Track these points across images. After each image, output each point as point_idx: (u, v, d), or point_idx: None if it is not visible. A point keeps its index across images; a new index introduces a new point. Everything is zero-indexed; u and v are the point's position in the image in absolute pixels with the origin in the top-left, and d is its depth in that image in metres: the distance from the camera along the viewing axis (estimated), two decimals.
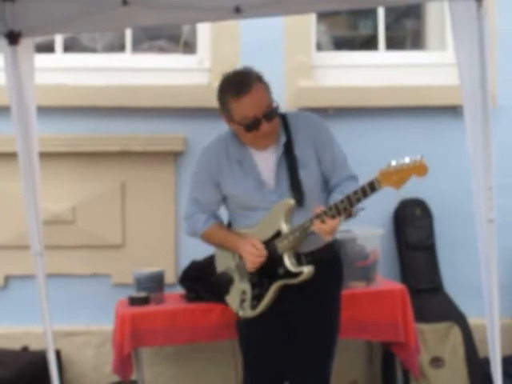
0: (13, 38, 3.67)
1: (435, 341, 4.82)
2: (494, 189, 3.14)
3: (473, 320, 4.85)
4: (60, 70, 5.03)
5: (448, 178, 5.06)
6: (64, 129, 4.97)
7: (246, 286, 3.73)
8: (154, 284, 4.52)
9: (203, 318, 4.32)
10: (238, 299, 3.75)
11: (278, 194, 3.62)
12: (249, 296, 3.72)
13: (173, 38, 5.36)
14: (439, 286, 5.06)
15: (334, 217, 3.41)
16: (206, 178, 3.75)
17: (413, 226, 5.09)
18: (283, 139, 3.63)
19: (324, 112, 4.97)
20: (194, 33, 5.20)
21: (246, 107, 3.50)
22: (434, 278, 5.06)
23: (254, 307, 3.70)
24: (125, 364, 4.37)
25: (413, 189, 5.16)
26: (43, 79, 4.46)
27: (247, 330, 3.81)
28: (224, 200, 3.80)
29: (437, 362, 4.81)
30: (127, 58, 5.16)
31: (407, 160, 3.25)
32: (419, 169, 3.21)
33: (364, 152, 4.97)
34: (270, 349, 3.78)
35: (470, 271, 4.62)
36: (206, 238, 3.86)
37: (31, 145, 3.82)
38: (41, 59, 4.23)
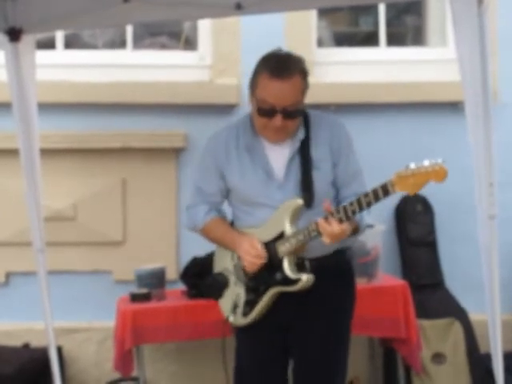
0: (14, 34, 3.68)
1: (436, 337, 4.82)
2: (495, 185, 3.14)
3: (474, 316, 4.85)
4: (61, 67, 5.03)
5: (449, 173, 5.01)
6: (65, 125, 4.97)
7: (240, 290, 3.47)
8: (155, 280, 4.52)
9: (205, 315, 4.30)
10: (231, 304, 3.50)
11: (284, 191, 3.38)
12: (242, 301, 3.46)
13: (174, 35, 5.35)
14: (440, 281, 5.07)
15: (341, 220, 3.17)
16: (211, 167, 3.50)
17: (414, 222, 5.09)
18: (301, 135, 3.40)
19: (325, 108, 4.96)
20: (194, 29, 5.20)
21: (270, 91, 3.26)
22: (436, 274, 5.07)
23: (245, 314, 3.45)
24: (126, 361, 4.37)
25: None
26: (44, 76, 4.46)
27: (244, 343, 3.57)
28: (228, 194, 3.56)
29: (438, 358, 4.81)
30: (128, 55, 5.15)
31: (426, 163, 3.04)
32: (438, 173, 3.03)
33: (366, 148, 4.95)
34: (267, 368, 3.50)
35: (471, 267, 4.61)
36: (205, 232, 3.61)
37: (32, 141, 3.83)
38: (42, 56, 4.23)
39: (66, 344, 5.00)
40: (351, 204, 3.14)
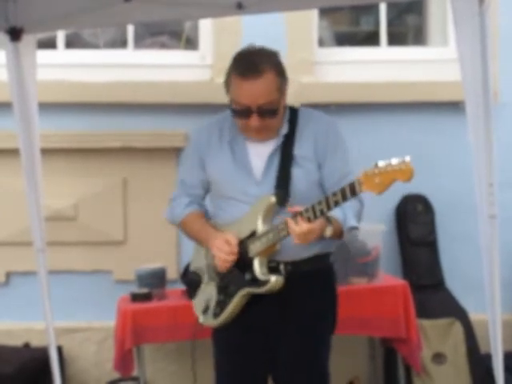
0: (15, 34, 3.68)
1: (437, 337, 4.81)
2: (496, 184, 3.14)
3: (474, 316, 4.85)
4: (62, 66, 5.03)
5: (450, 173, 5.06)
6: (66, 125, 4.97)
7: (212, 290, 3.35)
8: (155, 280, 4.52)
9: None
10: (203, 304, 3.39)
11: (262, 188, 3.26)
12: (213, 302, 3.33)
13: (175, 34, 5.35)
14: (441, 281, 5.06)
15: (309, 220, 3.04)
16: (193, 158, 3.43)
17: (414, 222, 5.09)
18: (284, 131, 3.29)
19: (326, 108, 4.96)
20: (195, 29, 5.19)
21: (242, 92, 3.18)
22: (436, 274, 5.06)
23: (216, 315, 3.32)
24: (126, 360, 4.37)
25: (414, 185, 5.16)
26: (45, 75, 4.46)
27: (219, 346, 3.46)
28: (209, 188, 3.46)
29: (439, 358, 4.81)
30: (129, 54, 5.16)
31: (394, 162, 2.87)
32: (404, 173, 2.84)
33: (366, 148, 4.97)
34: (245, 370, 3.38)
35: (471, 267, 4.61)
36: (183, 227, 3.50)
37: (33, 141, 3.83)
38: (43, 55, 4.22)
39: (66, 344, 5.00)
40: (319, 203, 3.03)
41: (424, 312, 4.78)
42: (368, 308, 4.40)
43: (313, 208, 3.04)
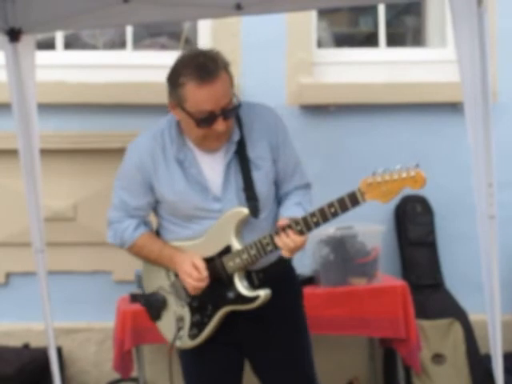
0: (14, 35, 3.68)
1: (436, 337, 4.82)
2: (495, 185, 3.15)
3: (474, 316, 4.85)
4: (61, 67, 5.02)
5: (449, 174, 5.07)
6: (65, 126, 4.97)
7: (183, 311, 3.17)
8: None
9: None
10: (174, 327, 3.19)
11: (223, 202, 3.07)
12: (187, 323, 3.15)
13: (174, 35, 5.35)
14: (440, 282, 5.06)
15: (301, 232, 2.92)
16: (137, 180, 3.14)
17: (414, 223, 5.09)
18: (237, 136, 3.08)
19: (325, 109, 4.98)
20: (195, 30, 5.20)
21: (204, 99, 2.93)
22: (435, 275, 5.06)
23: (193, 336, 3.16)
24: (125, 361, 4.37)
25: None
26: (44, 76, 4.47)
27: (191, 365, 3.30)
28: (156, 206, 3.22)
29: (438, 358, 4.81)
30: (128, 55, 5.15)
31: (399, 169, 2.77)
32: (415, 180, 2.75)
33: (364, 149, 4.98)
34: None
35: (470, 267, 4.62)
36: (136, 251, 3.28)
37: (32, 142, 3.83)
38: (41, 56, 4.23)
39: (65, 344, 5.00)
40: (312, 215, 2.90)
41: (423, 312, 4.79)
42: (367, 308, 4.40)
43: (305, 220, 2.92)
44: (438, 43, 5.39)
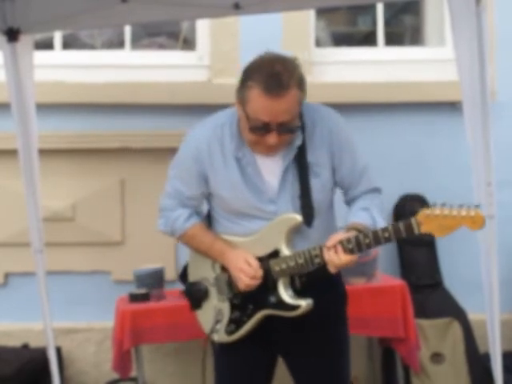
0: (12, 35, 3.68)
1: (435, 336, 4.82)
2: (494, 184, 3.15)
3: (473, 315, 4.85)
4: (59, 67, 5.02)
5: (447, 173, 5.06)
6: (63, 126, 4.97)
7: (223, 306, 3.14)
8: (154, 281, 4.51)
9: None
10: (212, 319, 3.15)
11: (278, 204, 3.02)
12: (226, 318, 3.13)
13: (172, 35, 5.35)
14: (439, 281, 5.06)
15: (351, 251, 2.85)
16: (193, 170, 3.11)
17: None
18: (299, 141, 3.00)
19: None
20: (193, 29, 5.19)
21: (264, 109, 2.84)
22: (434, 274, 5.06)
23: (230, 333, 3.13)
24: (124, 361, 4.37)
25: (412, 184, 5.17)
26: (42, 76, 4.46)
27: (224, 360, 3.24)
28: (208, 196, 3.19)
29: (437, 357, 4.81)
30: (126, 55, 5.15)
31: (460, 207, 2.75)
32: (474, 221, 2.74)
33: (363, 148, 4.96)
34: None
35: (470, 267, 4.61)
36: (186, 240, 3.24)
37: (31, 142, 3.83)
38: (40, 56, 4.23)
39: (64, 344, 5.00)
40: (366, 236, 2.84)
41: (422, 312, 4.79)
42: (366, 308, 4.40)
43: (357, 240, 2.84)
44: (437, 42, 5.39)
